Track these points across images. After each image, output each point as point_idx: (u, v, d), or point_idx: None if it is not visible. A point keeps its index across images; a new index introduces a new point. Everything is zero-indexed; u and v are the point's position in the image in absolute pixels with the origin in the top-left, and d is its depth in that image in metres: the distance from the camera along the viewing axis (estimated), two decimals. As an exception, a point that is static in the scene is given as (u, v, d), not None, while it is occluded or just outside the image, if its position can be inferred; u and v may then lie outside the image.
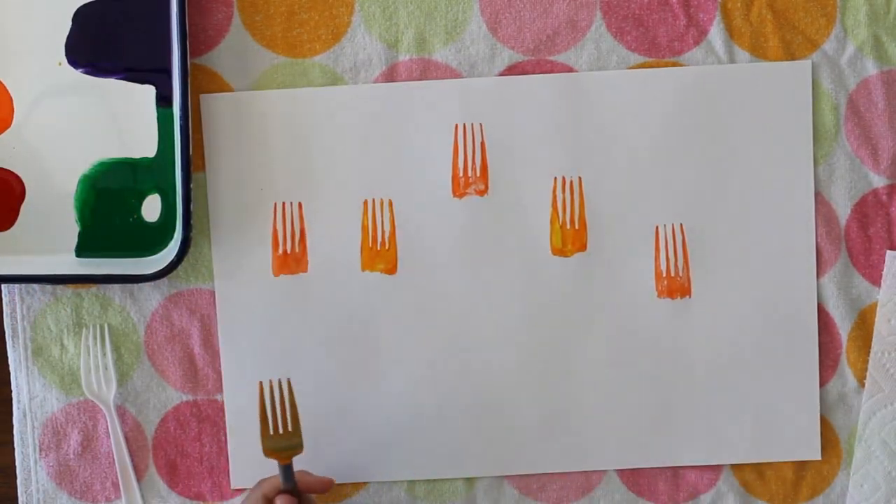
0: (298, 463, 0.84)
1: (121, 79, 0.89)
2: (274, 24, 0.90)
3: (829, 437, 0.92)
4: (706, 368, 0.91)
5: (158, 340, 0.91)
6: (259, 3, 0.90)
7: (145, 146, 0.89)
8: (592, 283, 0.90)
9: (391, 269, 0.91)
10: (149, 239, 0.90)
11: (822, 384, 0.91)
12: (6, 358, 0.91)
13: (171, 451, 0.92)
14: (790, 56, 0.90)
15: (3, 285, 0.90)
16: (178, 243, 0.87)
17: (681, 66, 0.90)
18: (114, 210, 0.90)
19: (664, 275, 0.91)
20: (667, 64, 0.90)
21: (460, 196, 0.90)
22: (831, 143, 0.90)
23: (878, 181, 0.91)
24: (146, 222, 0.90)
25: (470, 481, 0.92)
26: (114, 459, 0.91)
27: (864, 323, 0.91)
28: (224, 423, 0.91)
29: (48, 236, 0.90)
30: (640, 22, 0.90)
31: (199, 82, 0.90)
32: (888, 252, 0.90)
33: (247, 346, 0.91)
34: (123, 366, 0.91)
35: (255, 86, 0.90)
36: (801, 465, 0.92)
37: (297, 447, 0.83)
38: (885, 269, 0.90)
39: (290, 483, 0.83)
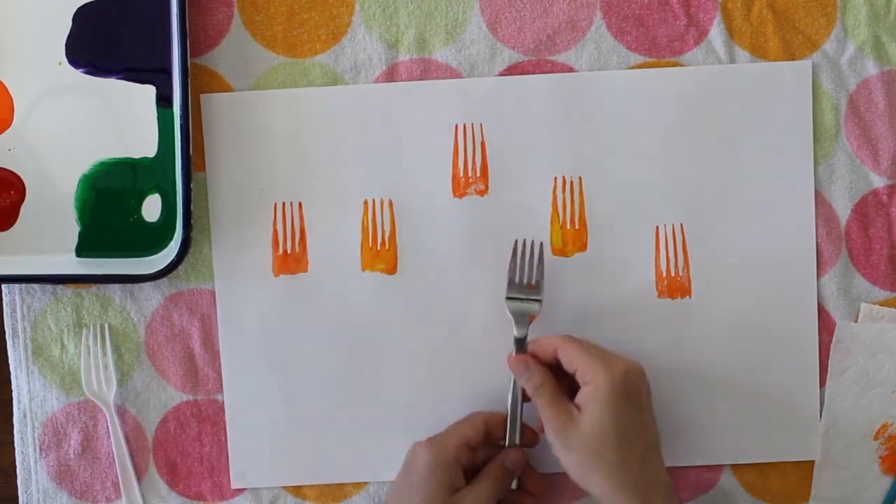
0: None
1: (121, 79, 0.89)
2: (274, 24, 0.90)
3: (829, 437, 0.92)
4: (706, 369, 0.91)
5: (159, 340, 0.91)
6: (259, 3, 0.89)
7: (145, 146, 0.89)
8: (592, 284, 0.90)
9: (391, 269, 0.91)
10: (149, 239, 0.90)
11: (822, 384, 0.91)
12: (6, 358, 0.91)
13: (171, 451, 0.92)
14: (790, 56, 0.90)
15: (3, 285, 0.90)
16: (179, 243, 0.87)
17: (681, 66, 0.90)
18: (114, 210, 0.90)
19: (664, 275, 0.90)
20: (667, 64, 0.90)
21: (460, 196, 0.90)
22: (831, 143, 0.90)
23: (879, 181, 0.91)
24: (146, 222, 0.90)
25: (470, 481, 0.92)
26: (114, 459, 0.91)
27: (864, 323, 0.91)
28: (224, 423, 0.91)
29: (48, 236, 0.90)
30: (641, 22, 0.90)
31: (200, 82, 0.89)
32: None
33: (247, 346, 0.91)
34: (124, 366, 0.91)
35: (255, 86, 0.90)
36: (801, 466, 0.92)
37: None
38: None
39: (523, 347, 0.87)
